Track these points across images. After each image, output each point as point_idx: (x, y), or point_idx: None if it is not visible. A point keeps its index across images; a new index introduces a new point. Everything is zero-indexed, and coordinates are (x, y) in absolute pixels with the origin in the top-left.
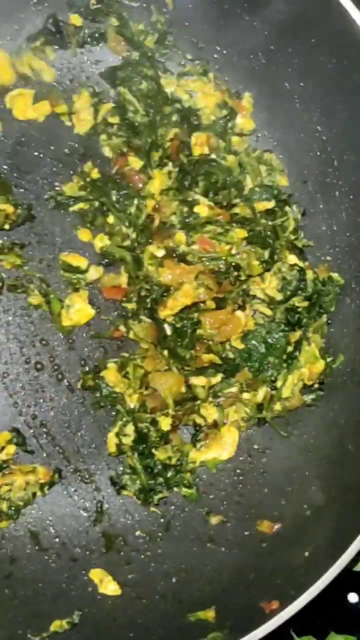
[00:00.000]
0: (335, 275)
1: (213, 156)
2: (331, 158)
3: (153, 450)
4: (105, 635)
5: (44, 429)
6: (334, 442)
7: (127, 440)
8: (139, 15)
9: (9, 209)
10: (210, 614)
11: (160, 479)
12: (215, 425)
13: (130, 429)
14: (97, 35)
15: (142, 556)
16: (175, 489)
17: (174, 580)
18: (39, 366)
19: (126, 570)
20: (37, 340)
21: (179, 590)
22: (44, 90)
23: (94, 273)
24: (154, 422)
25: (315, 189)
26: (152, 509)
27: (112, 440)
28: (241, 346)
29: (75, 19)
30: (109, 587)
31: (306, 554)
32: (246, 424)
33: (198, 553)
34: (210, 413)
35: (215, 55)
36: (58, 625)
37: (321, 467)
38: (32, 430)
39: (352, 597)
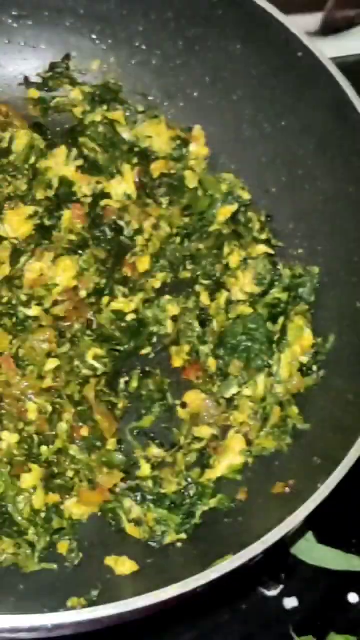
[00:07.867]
0: (313, 267)
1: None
2: (287, 169)
3: (161, 491)
4: None
5: None
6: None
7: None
8: (91, 78)
9: None
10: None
11: (188, 500)
12: (216, 437)
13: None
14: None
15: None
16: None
17: (194, 552)
18: None
19: (145, 554)
20: None
21: (201, 558)
22: None
23: None
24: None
25: (278, 195)
26: None
27: (132, 529)
28: None
29: (33, 93)
30: (126, 565)
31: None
32: (254, 423)
33: (214, 528)
34: (204, 432)
35: (164, 102)
36: (75, 602)
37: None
38: None
39: (352, 597)
